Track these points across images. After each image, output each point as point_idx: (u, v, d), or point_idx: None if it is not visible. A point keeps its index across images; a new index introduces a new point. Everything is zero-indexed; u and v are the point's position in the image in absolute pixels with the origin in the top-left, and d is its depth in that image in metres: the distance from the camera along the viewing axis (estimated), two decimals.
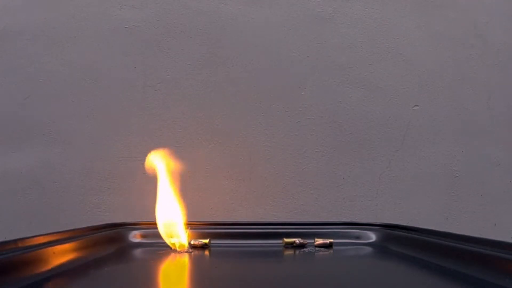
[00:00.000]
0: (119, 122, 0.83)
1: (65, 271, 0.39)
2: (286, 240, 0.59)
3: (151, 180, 0.83)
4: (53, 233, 0.45)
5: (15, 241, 0.38)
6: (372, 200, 0.85)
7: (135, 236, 0.61)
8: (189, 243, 0.56)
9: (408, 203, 0.86)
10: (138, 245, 0.59)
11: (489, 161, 0.89)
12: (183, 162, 0.84)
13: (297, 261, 0.51)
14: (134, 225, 0.63)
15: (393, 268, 0.47)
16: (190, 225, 0.57)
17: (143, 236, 0.61)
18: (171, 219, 0.56)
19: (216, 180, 0.84)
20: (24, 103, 0.83)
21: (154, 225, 0.63)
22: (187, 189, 0.83)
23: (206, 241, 0.58)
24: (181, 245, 0.54)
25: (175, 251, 0.54)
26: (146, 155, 0.82)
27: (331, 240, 0.59)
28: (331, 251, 0.56)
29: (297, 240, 0.58)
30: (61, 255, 0.42)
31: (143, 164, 0.82)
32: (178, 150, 0.84)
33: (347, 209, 0.84)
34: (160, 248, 0.56)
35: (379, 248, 0.58)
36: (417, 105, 0.88)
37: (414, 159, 0.87)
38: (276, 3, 0.88)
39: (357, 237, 0.62)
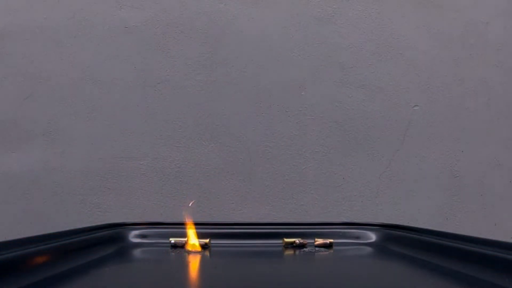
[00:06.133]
0: (119, 122, 0.83)
1: (65, 271, 0.39)
2: (286, 240, 0.59)
3: (151, 180, 0.83)
4: (53, 233, 0.45)
5: (15, 241, 0.38)
6: (372, 200, 0.85)
7: (135, 236, 0.61)
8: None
9: (408, 203, 0.86)
10: (138, 245, 0.59)
11: (489, 161, 0.89)
12: (183, 162, 0.84)
13: (297, 261, 0.51)
14: (134, 225, 0.63)
15: (393, 268, 0.47)
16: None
17: (143, 236, 0.61)
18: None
19: (216, 180, 0.84)
20: (24, 103, 0.83)
21: (154, 225, 0.63)
22: (187, 189, 0.84)
23: (206, 241, 0.58)
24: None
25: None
26: (146, 155, 0.83)
27: (331, 240, 0.59)
28: (331, 251, 0.56)
29: (297, 240, 0.58)
30: (61, 255, 0.42)
31: (143, 164, 0.82)
32: (178, 150, 0.84)
33: (347, 209, 0.84)
34: (160, 248, 0.56)
35: (379, 248, 0.58)
36: (417, 105, 0.88)
37: (414, 159, 0.87)
38: (276, 3, 0.88)
39: (357, 237, 0.62)
